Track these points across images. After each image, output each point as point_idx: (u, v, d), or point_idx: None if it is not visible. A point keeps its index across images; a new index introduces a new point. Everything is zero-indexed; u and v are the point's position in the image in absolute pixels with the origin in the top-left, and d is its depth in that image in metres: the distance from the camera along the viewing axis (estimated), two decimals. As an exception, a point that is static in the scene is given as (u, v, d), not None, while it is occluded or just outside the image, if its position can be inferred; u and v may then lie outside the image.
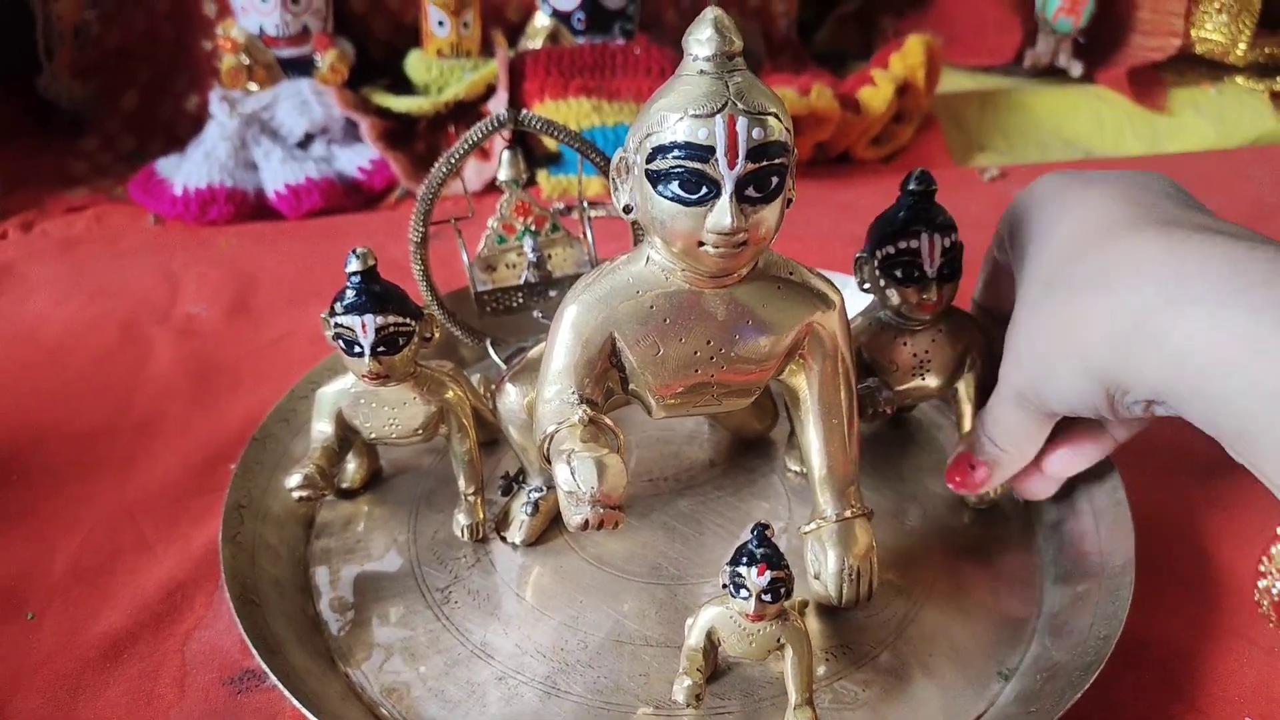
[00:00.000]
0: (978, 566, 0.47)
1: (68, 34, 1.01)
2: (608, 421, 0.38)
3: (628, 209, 0.37)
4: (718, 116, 0.33)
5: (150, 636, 0.43)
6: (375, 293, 0.42)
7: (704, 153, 0.33)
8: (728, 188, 0.33)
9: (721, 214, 0.34)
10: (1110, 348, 0.37)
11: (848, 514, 0.42)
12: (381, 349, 0.42)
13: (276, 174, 0.83)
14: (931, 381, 0.47)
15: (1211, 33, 1.03)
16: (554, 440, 0.37)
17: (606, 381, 0.40)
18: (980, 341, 0.48)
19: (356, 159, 0.87)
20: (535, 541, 0.48)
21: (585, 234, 0.58)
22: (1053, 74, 1.07)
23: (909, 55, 0.91)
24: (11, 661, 0.42)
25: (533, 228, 0.58)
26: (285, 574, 0.45)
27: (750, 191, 0.34)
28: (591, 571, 0.46)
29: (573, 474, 0.34)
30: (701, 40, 0.34)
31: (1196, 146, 1.00)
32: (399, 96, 0.90)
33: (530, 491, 0.48)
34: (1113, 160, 0.98)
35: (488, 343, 0.59)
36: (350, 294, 0.42)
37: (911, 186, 0.45)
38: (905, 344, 0.47)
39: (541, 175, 0.88)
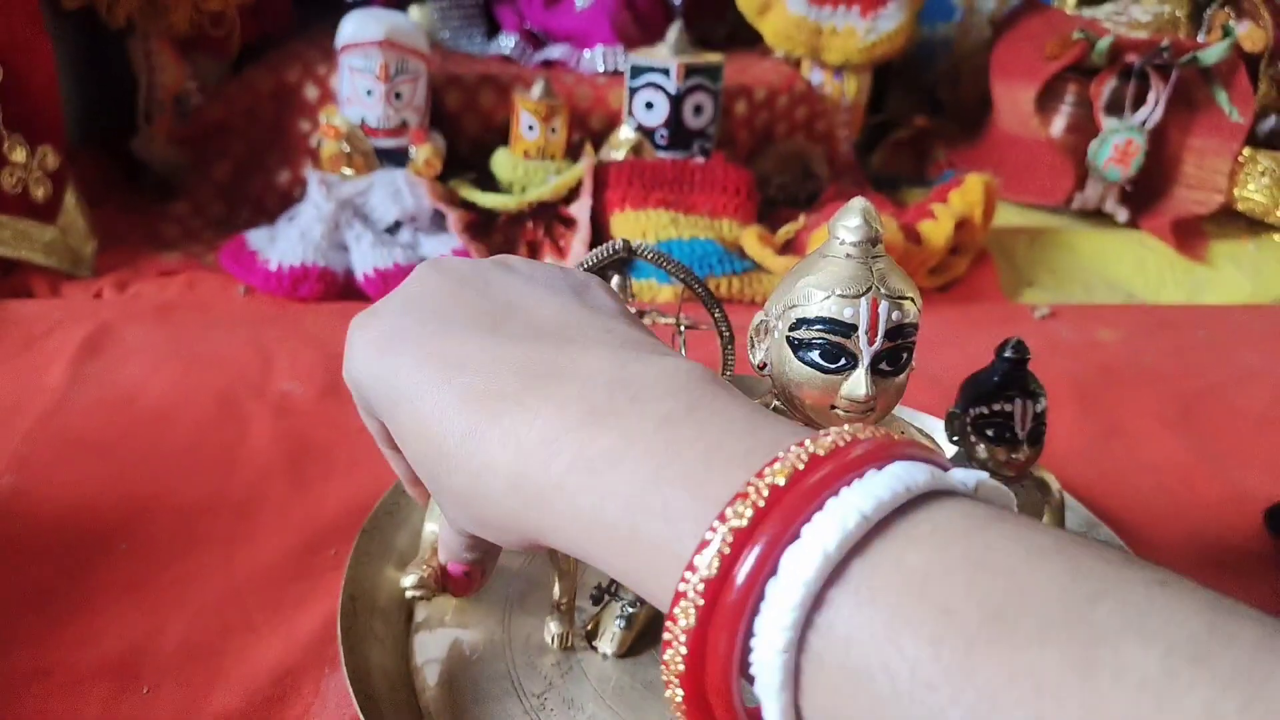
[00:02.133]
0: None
1: (168, 102, 1.06)
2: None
3: (762, 366, 0.41)
4: (863, 299, 0.37)
5: (263, 719, 0.46)
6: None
7: (847, 329, 0.37)
8: (865, 361, 0.37)
9: (857, 384, 0.37)
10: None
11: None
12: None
13: (366, 257, 0.87)
14: (1010, 534, 0.50)
15: (1254, 193, 1.08)
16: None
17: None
18: (1058, 501, 0.51)
19: (441, 248, 0.91)
20: (625, 654, 0.50)
21: (681, 349, 0.61)
22: (1099, 217, 1.12)
23: (968, 193, 0.96)
24: (133, 733, 0.44)
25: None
26: (392, 665, 0.48)
27: (883, 365, 0.38)
28: (677, 689, 0.48)
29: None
30: (850, 227, 0.38)
31: (1233, 298, 1.05)
32: (485, 193, 0.94)
33: (624, 605, 0.51)
34: (1152, 307, 1.02)
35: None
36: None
37: (1008, 354, 0.48)
38: (989, 497, 0.50)
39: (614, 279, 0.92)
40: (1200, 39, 1.14)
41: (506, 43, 1.14)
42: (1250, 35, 1.12)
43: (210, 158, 1.03)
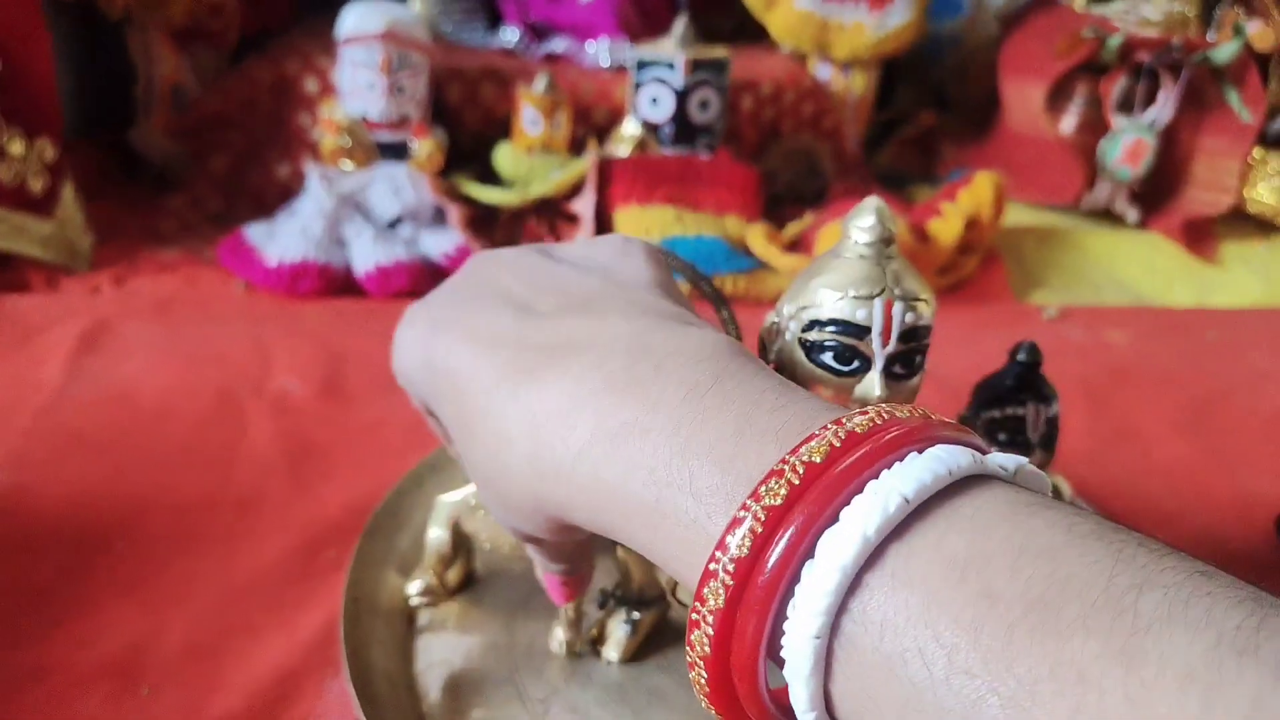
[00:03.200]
0: None
1: (166, 94, 1.05)
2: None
3: (774, 368, 0.40)
4: (877, 300, 0.36)
5: (263, 724, 0.45)
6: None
7: (860, 331, 0.36)
8: (878, 364, 0.36)
9: (870, 386, 0.36)
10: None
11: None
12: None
13: (367, 253, 0.86)
14: (1023, 540, 0.50)
15: (1264, 194, 1.08)
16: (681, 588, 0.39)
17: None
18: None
19: (441, 244, 0.90)
20: (630, 660, 0.49)
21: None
22: (1109, 217, 1.11)
23: (978, 191, 0.95)
24: (130, 738, 0.44)
25: None
26: (395, 669, 0.47)
27: (896, 368, 0.37)
28: (687, 697, 0.48)
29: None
30: (864, 227, 0.37)
31: (1244, 300, 1.04)
32: (487, 188, 0.93)
33: (630, 611, 0.50)
34: (1162, 309, 1.01)
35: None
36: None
37: (1021, 357, 0.47)
38: (1001, 502, 0.49)
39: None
40: (1210, 38, 1.13)
41: (509, 35, 1.12)
42: (1261, 35, 1.11)
43: (208, 151, 1.02)
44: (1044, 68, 1.10)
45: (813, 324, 0.37)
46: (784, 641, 0.23)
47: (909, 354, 0.37)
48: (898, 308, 0.36)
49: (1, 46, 0.83)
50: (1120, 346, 0.89)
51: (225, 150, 1.02)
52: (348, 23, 0.91)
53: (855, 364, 0.37)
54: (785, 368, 0.39)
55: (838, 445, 0.23)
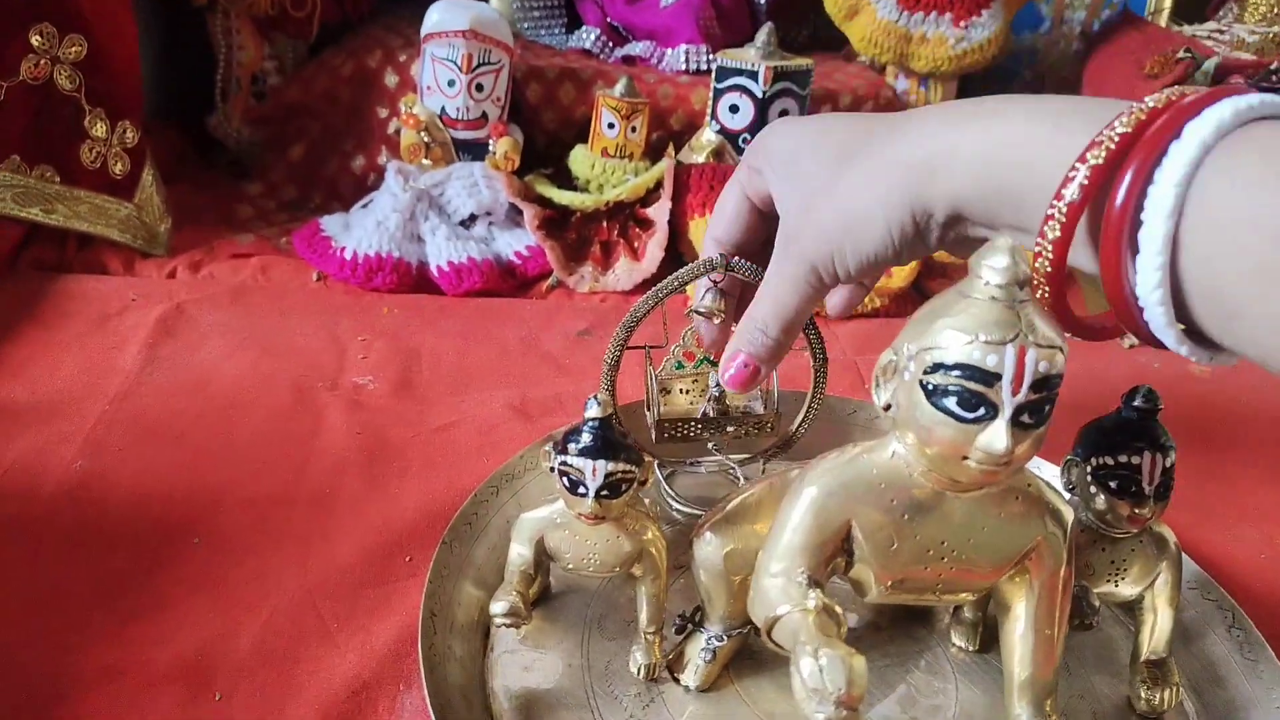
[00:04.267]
0: (1152, 785, 0.46)
1: (246, 81, 1.06)
2: (837, 609, 0.38)
3: (887, 407, 0.38)
4: (1009, 346, 0.34)
5: (338, 737, 0.44)
6: (609, 440, 0.43)
7: (990, 378, 0.34)
8: (1006, 413, 0.35)
9: (996, 437, 0.35)
10: (916, 172, 0.40)
11: (1046, 724, 0.42)
12: (605, 493, 0.43)
13: (441, 250, 0.85)
14: (1125, 589, 0.48)
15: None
16: (783, 623, 0.38)
17: (833, 563, 0.41)
18: (1175, 557, 0.48)
19: (515, 244, 0.89)
20: (708, 688, 0.48)
21: (772, 375, 0.59)
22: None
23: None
24: (206, 743, 0.43)
25: (711, 357, 0.60)
26: (471, 687, 0.46)
27: (1025, 418, 0.35)
28: (764, 731, 0.47)
29: (821, 672, 0.34)
30: (996, 267, 0.35)
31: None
32: (562, 190, 0.93)
33: (710, 638, 0.49)
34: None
35: (655, 464, 0.60)
36: (586, 438, 0.43)
37: (1137, 403, 0.45)
38: (1104, 550, 0.47)
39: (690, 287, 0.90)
40: (1308, 62, 1.09)
41: (587, 36, 1.12)
42: (1361, 60, 1.07)
43: (286, 139, 1.03)
44: (1131, 88, 1.06)
45: (936, 367, 0.35)
46: (1149, 191, 0.32)
47: (1039, 403, 0.35)
48: (1031, 355, 0.34)
49: (88, 29, 0.84)
50: (1205, 378, 0.86)
51: (302, 140, 1.02)
52: (432, 18, 0.91)
53: (981, 411, 0.35)
54: (900, 409, 0.37)
55: (1175, 97, 0.33)
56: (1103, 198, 0.33)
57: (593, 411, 0.44)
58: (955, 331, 0.35)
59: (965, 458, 0.36)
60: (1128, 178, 0.32)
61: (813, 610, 0.38)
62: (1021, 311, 0.35)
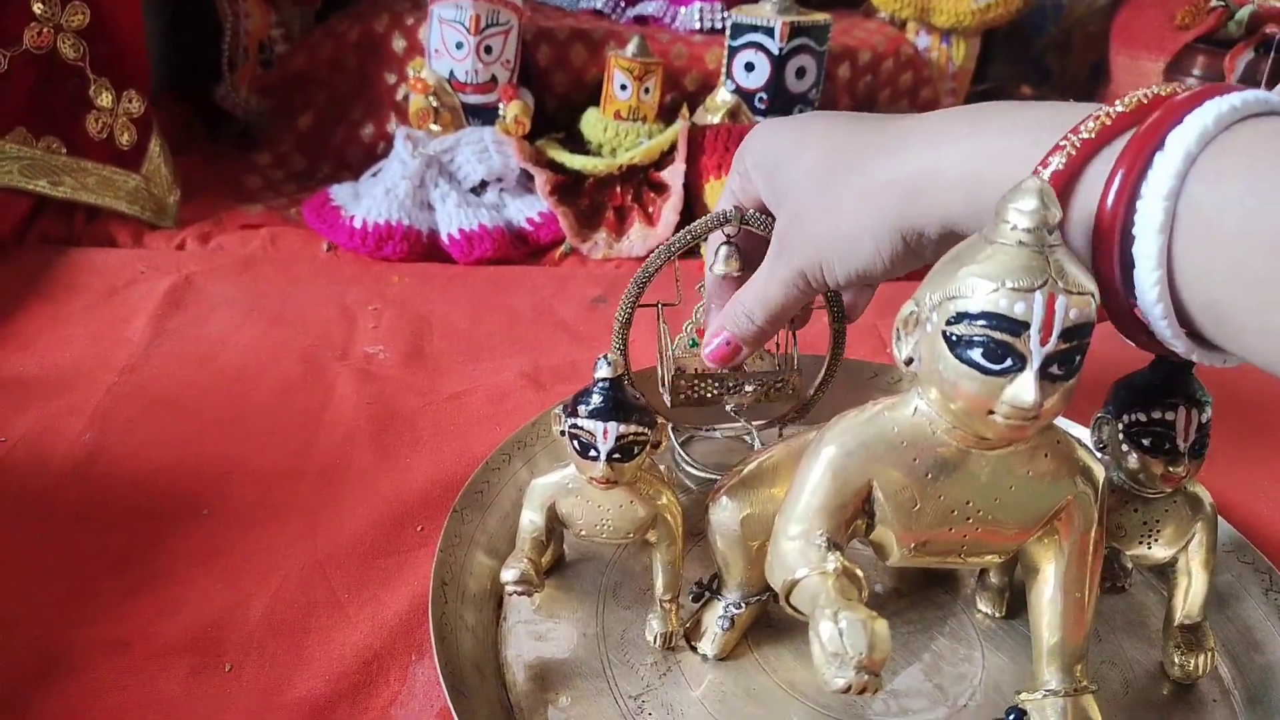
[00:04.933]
0: (1187, 752, 0.45)
1: (253, 49, 1.04)
2: (857, 571, 0.37)
3: (909, 361, 0.37)
4: (1038, 293, 0.32)
5: (348, 707, 0.43)
6: (621, 401, 0.42)
7: (1017, 327, 0.33)
8: (1035, 364, 0.33)
9: (1024, 389, 0.33)
10: (902, 194, 0.39)
11: (1076, 690, 0.40)
12: (617, 455, 0.42)
13: (452, 218, 0.84)
14: (1158, 551, 0.46)
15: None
16: (802, 586, 0.37)
17: (854, 525, 0.39)
18: (1210, 518, 0.46)
19: (526, 210, 0.88)
20: (726, 656, 0.47)
21: (788, 329, 0.57)
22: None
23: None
24: (214, 716, 0.42)
25: None
26: (483, 657, 0.45)
27: (1053, 369, 0.33)
28: (782, 696, 0.45)
29: (841, 635, 0.33)
30: (1024, 211, 0.33)
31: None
32: (574, 154, 0.91)
33: (727, 605, 0.47)
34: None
35: (669, 428, 0.58)
36: (597, 399, 0.42)
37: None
38: (1136, 510, 0.45)
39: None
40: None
41: (599, -4, 1.09)
42: (1403, 5, 1.03)
43: (293, 108, 1.01)
44: (1163, 39, 1.03)
45: (960, 316, 0.33)
46: (1138, 205, 0.31)
47: (1069, 353, 0.33)
48: (1061, 302, 0.32)
49: (92, -3, 0.82)
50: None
51: (310, 108, 1.01)
52: (438, -21, 0.89)
53: (1008, 362, 0.33)
54: (923, 361, 0.36)
55: (1171, 91, 0.33)
56: (1072, 198, 0.34)
57: (603, 372, 0.42)
58: (980, 279, 0.33)
59: (991, 412, 0.34)
60: (1113, 192, 0.32)
61: (832, 573, 0.36)
62: (1051, 257, 0.33)
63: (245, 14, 1.02)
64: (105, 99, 0.84)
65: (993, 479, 0.38)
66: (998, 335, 0.33)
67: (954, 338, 0.34)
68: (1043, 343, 0.33)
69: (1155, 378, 0.44)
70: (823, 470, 0.38)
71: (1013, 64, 1.33)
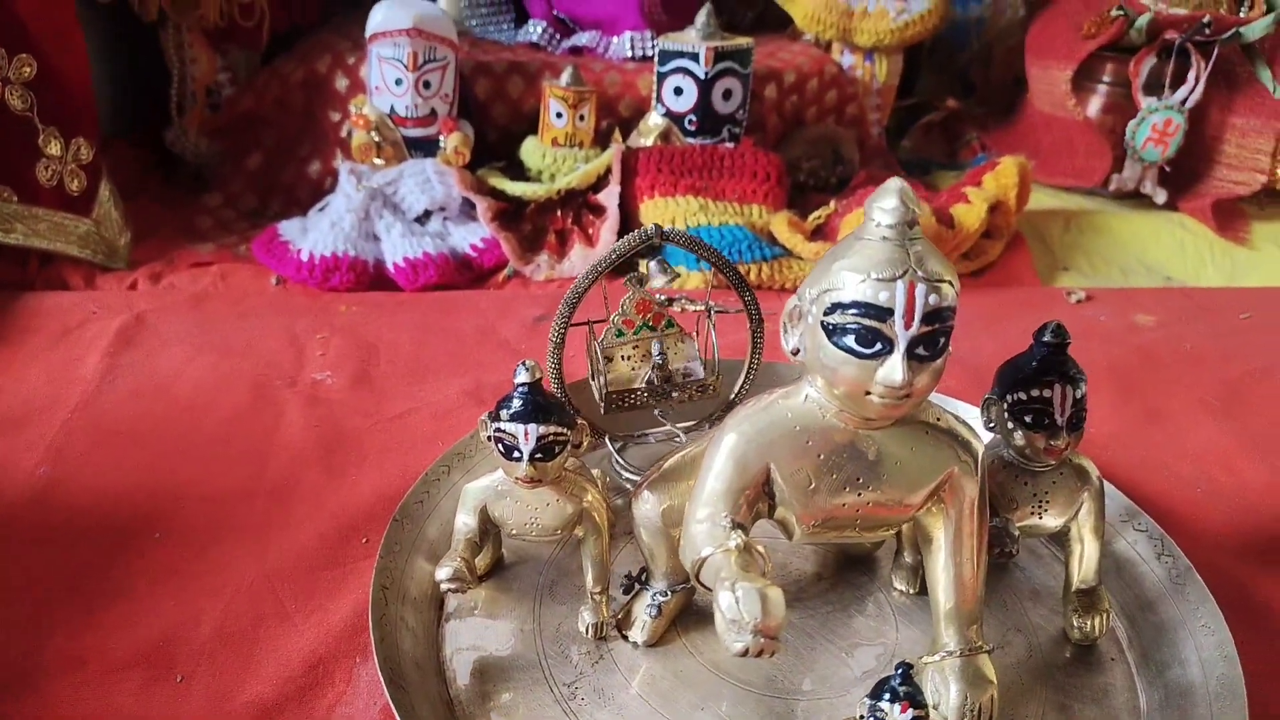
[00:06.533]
0: (1087, 705, 0.48)
1: (201, 93, 1.07)
2: (760, 548, 0.40)
3: (796, 351, 0.40)
4: (899, 281, 0.36)
5: (295, 709, 0.46)
6: (540, 404, 0.45)
7: (883, 313, 0.36)
8: (901, 346, 0.36)
9: (893, 370, 0.36)
10: None
11: (972, 650, 0.44)
12: (539, 455, 0.45)
13: (396, 247, 0.87)
14: (1049, 521, 0.49)
15: (1298, 172, 1.06)
16: (708, 564, 0.40)
17: (756, 506, 0.42)
18: (1096, 488, 0.50)
19: (470, 237, 0.91)
20: (655, 643, 0.50)
21: (710, 335, 0.61)
22: (1137, 199, 1.10)
23: (1002, 176, 0.94)
24: (167, 722, 0.45)
25: (651, 324, 0.61)
26: (423, 655, 0.48)
27: (920, 350, 0.37)
28: (709, 678, 0.48)
29: (737, 603, 0.36)
30: (886, 208, 0.37)
31: (1276, 280, 1.02)
32: (514, 181, 0.94)
33: (654, 594, 0.50)
34: (1192, 290, 1.00)
35: (606, 438, 0.62)
36: (517, 403, 0.45)
37: (1047, 338, 0.47)
38: (1026, 483, 0.49)
39: (642, 263, 0.91)
40: (1243, 14, 1.11)
41: (535, 29, 1.13)
42: (1296, 10, 1.09)
43: (242, 148, 1.04)
44: (1070, 49, 1.08)
45: (835, 307, 0.37)
46: None
47: (933, 336, 0.37)
48: (920, 289, 0.36)
49: (37, 49, 0.85)
50: (1149, 329, 0.88)
51: (259, 148, 1.04)
52: (376, 18, 0.92)
53: (878, 346, 0.37)
54: (807, 351, 0.39)
55: None
56: None
57: (522, 377, 0.45)
58: (849, 272, 0.37)
59: (868, 393, 0.38)
60: None
61: (734, 549, 0.39)
62: (910, 249, 0.37)
63: (192, 60, 1.05)
64: (54, 147, 0.87)
65: (880, 457, 0.41)
66: (867, 322, 0.36)
67: (830, 327, 0.37)
68: (906, 326, 0.36)
69: (1033, 359, 0.47)
70: (724, 457, 0.42)
71: (939, 77, 1.38)
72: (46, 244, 0.86)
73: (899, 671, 0.38)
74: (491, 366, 0.76)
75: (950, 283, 0.37)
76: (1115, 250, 1.05)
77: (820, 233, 0.93)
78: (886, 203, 0.37)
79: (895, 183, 0.38)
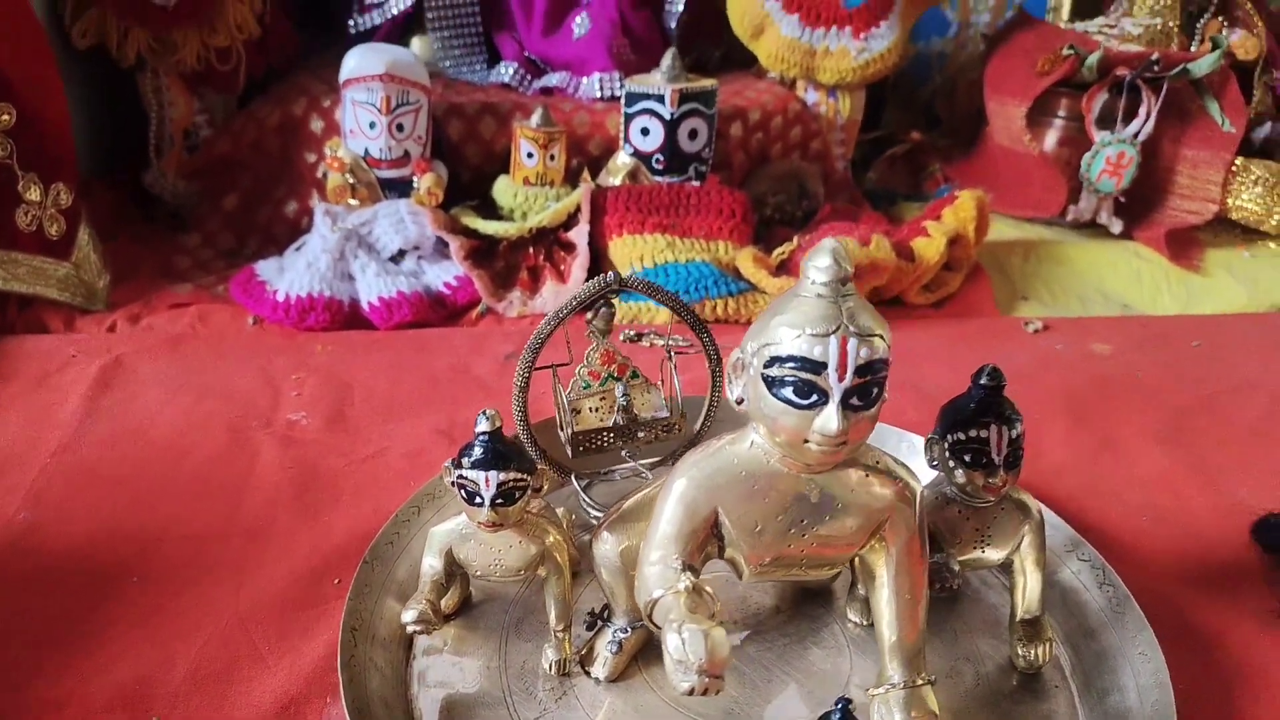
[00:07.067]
0: (1028, 733, 0.50)
1: (178, 136, 1.09)
2: (708, 590, 0.42)
3: (740, 401, 0.42)
4: (832, 337, 0.39)
5: (268, 748, 0.47)
6: (500, 451, 0.47)
7: (817, 367, 0.39)
8: (835, 397, 0.39)
9: (828, 420, 0.39)
10: None
11: (916, 682, 0.46)
12: (500, 501, 0.47)
13: (371, 286, 0.89)
14: (992, 554, 0.52)
15: (1247, 202, 1.09)
16: (659, 605, 0.42)
17: (706, 548, 0.45)
18: (1037, 521, 0.52)
19: (444, 275, 0.93)
20: (617, 678, 0.52)
21: (672, 375, 0.63)
22: (1093, 229, 1.13)
23: (961, 210, 0.97)
24: (144, 763, 0.46)
25: (616, 374, 0.63)
26: (391, 694, 0.49)
27: (854, 400, 0.39)
28: (669, 712, 0.50)
29: (684, 644, 0.38)
30: (820, 267, 0.40)
31: (1229, 307, 1.05)
32: (486, 220, 0.96)
33: (615, 631, 0.52)
34: (1147, 318, 1.03)
35: (573, 477, 0.64)
36: (478, 451, 0.47)
37: (983, 381, 0.49)
38: (968, 519, 0.51)
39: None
40: (1195, 49, 1.15)
41: (506, 71, 1.16)
42: (1244, 43, 1.13)
43: (219, 190, 1.06)
44: (1025, 86, 1.12)
45: (773, 360, 0.40)
46: None
47: (866, 387, 0.39)
48: (853, 343, 0.38)
49: (16, 96, 0.87)
50: (1105, 358, 0.91)
51: (235, 189, 1.06)
52: (349, 64, 0.95)
53: (814, 397, 0.39)
54: (750, 401, 0.41)
55: None
56: None
57: (483, 425, 0.47)
58: (786, 327, 0.39)
59: (806, 441, 0.40)
60: None
61: (684, 591, 0.41)
62: (843, 305, 0.39)
63: (170, 103, 1.07)
64: (34, 193, 0.89)
65: (822, 499, 0.43)
66: (803, 375, 0.39)
67: (770, 379, 0.40)
68: (840, 379, 0.39)
69: (971, 401, 0.50)
70: (674, 502, 0.44)
71: (903, 111, 1.42)
72: (26, 288, 0.88)
73: (839, 706, 0.40)
74: (464, 404, 0.78)
75: (881, 336, 0.39)
76: (1073, 279, 1.08)
77: (784, 268, 0.95)
78: (820, 261, 0.40)
79: (829, 243, 0.40)
